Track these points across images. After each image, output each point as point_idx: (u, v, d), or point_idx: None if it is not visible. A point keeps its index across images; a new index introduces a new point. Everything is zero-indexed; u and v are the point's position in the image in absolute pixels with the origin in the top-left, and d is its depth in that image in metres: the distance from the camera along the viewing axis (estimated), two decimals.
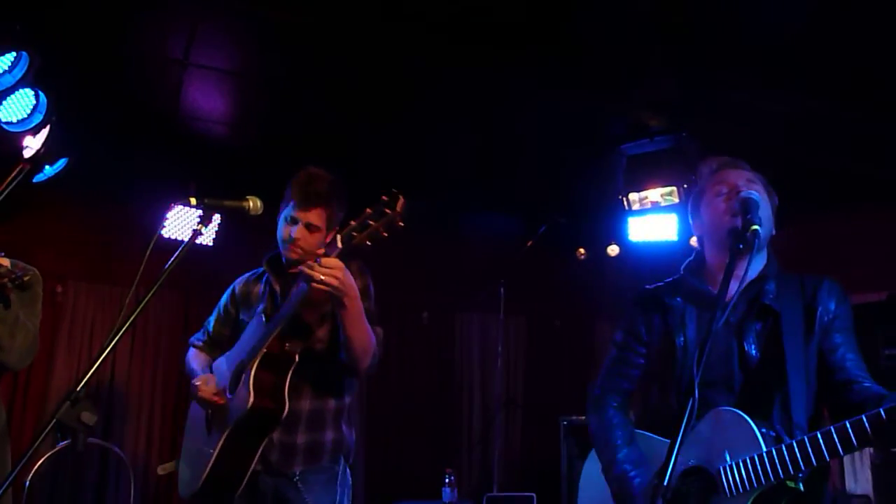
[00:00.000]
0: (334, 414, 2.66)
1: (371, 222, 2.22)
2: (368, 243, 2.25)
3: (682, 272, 2.11)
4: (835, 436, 1.60)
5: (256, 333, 2.59)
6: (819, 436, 1.62)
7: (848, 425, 1.58)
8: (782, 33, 3.39)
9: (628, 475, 1.95)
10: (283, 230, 2.64)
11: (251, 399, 2.45)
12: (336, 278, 2.30)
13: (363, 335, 2.46)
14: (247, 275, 2.90)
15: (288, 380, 2.52)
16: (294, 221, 2.61)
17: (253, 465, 2.54)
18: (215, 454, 2.55)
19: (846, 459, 5.26)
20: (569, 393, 6.52)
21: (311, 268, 2.30)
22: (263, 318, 2.60)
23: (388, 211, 2.20)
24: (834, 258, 5.11)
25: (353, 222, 2.27)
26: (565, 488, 5.48)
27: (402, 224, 2.21)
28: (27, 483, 4.48)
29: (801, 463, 1.63)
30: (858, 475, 5.22)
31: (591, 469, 2.15)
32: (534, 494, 5.33)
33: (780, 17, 3.23)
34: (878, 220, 5.27)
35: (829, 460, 1.61)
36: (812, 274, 2.00)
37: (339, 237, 2.29)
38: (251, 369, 2.50)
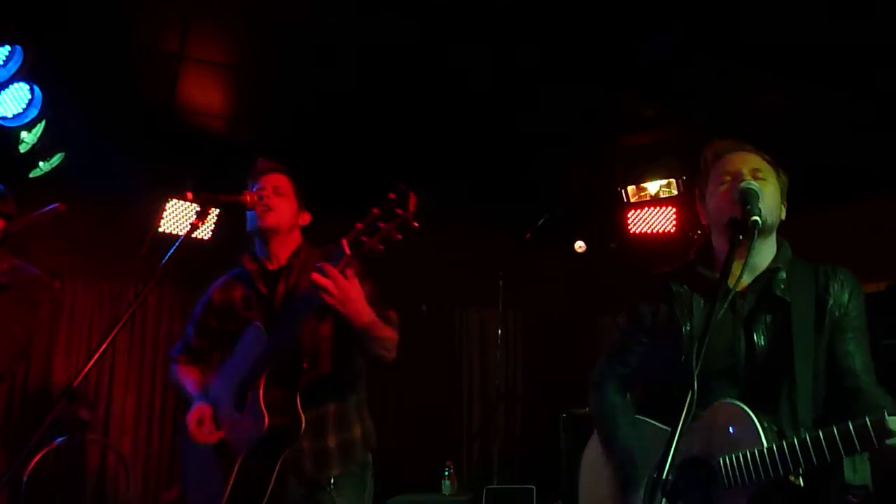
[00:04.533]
0: (357, 408, 2.62)
1: (381, 224, 2.00)
2: (381, 248, 2.02)
3: (690, 258, 2.08)
4: (837, 436, 1.59)
5: (256, 347, 2.43)
6: (821, 434, 1.61)
7: (851, 426, 1.58)
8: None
9: (632, 448, 1.96)
10: (252, 204, 2.52)
11: (266, 419, 2.30)
12: (333, 289, 2.11)
13: (376, 335, 2.30)
14: (221, 280, 2.75)
15: (299, 391, 2.37)
16: (261, 189, 2.55)
17: (272, 483, 2.38)
18: (232, 480, 2.41)
19: None
20: (568, 385, 6.50)
21: (323, 276, 2.10)
22: (261, 329, 2.43)
23: (399, 211, 1.98)
24: (834, 248, 5.10)
25: (358, 225, 2.05)
26: (565, 480, 5.48)
27: (416, 224, 2.00)
28: (24, 479, 4.47)
29: (802, 461, 1.63)
30: (857, 466, 5.21)
31: (592, 453, 2.16)
32: (534, 487, 5.33)
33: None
34: (878, 211, 5.27)
35: (829, 461, 1.61)
36: (826, 264, 1.96)
37: (345, 241, 2.08)
38: (259, 388, 2.35)
